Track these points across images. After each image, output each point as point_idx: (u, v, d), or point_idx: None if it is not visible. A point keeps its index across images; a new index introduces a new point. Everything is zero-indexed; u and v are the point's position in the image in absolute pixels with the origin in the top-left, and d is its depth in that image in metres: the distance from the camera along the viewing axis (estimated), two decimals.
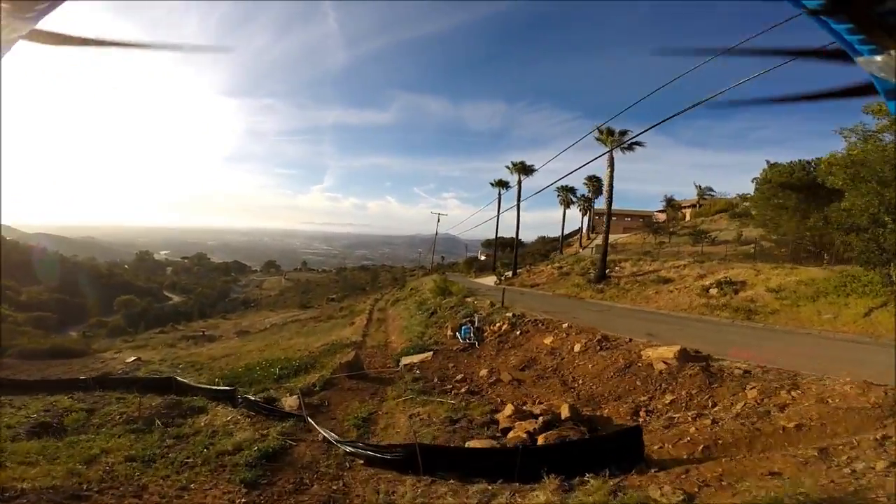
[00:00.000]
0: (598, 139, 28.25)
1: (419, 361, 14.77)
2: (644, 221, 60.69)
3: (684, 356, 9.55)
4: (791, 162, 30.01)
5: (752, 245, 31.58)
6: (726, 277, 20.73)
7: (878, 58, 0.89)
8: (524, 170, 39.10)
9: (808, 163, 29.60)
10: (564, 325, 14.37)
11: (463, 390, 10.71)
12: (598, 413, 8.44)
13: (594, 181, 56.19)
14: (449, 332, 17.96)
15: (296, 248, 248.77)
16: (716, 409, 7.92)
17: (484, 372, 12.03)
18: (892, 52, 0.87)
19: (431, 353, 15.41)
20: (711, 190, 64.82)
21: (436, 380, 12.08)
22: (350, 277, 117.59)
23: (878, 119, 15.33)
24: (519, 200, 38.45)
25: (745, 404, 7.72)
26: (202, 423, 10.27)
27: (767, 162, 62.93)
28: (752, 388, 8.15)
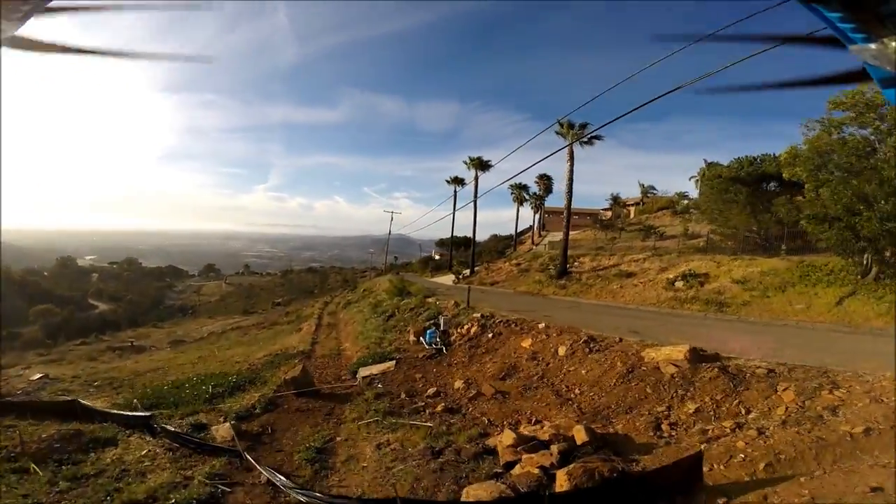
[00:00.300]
0: (558, 133, 27.37)
1: (380, 373, 12.81)
2: (593, 219, 61.69)
3: (695, 356, 8.30)
4: (740, 157, 30.74)
5: (702, 239, 32.11)
6: (690, 270, 20.28)
7: (872, 46, 0.86)
8: (481, 165, 37.86)
9: (756, 158, 30.39)
10: (541, 326, 12.92)
11: (439, 408, 8.91)
12: (609, 430, 6.94)
13: (545, 179, 56.15)
14: (411, 337, 16.10)
15: (238, 251, 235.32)
16: (752, 416, 6.65)
17: (459, 384, 10.30)
18: (886, 40, 0.84)
19: (394, 362, 13.49)
20: (654, 188, 67.06)
21: (403, 395, 10.20)
22: (297, 280, 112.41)
23: (842, 112, 15.16)
24: (476, 196, 37.16)
25: (785, 409, 6.49)
26: (108, 460, 7.88)
27: (705, 161, 65.55)
28: (785, 390, 6.96)
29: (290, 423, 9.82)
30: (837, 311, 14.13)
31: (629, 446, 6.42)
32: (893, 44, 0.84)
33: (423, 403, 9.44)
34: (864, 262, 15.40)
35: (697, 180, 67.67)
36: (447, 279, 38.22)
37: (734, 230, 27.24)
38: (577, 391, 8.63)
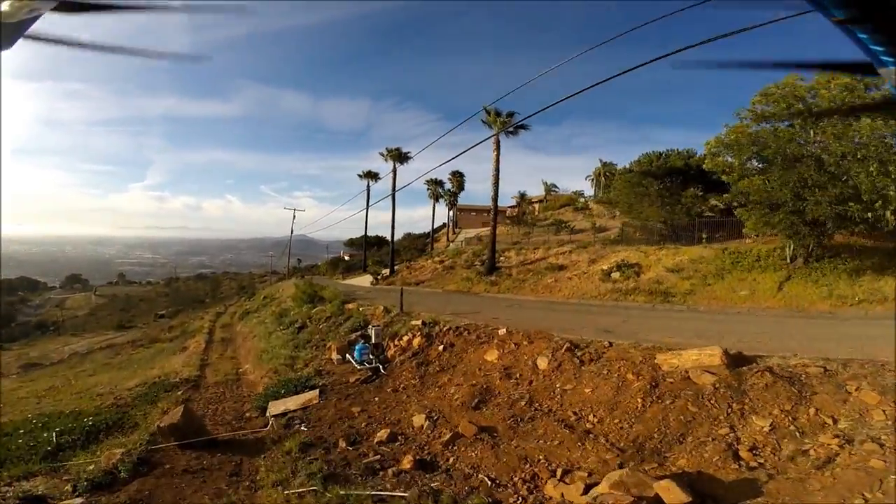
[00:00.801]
0: (484, 121, 25.46)
1: (300, 407, 9.46)
2: (504, 215, 61.93)
3: (731, 359, 6.42)
4: (649, 152, 31.72)
5: (611, 232, 32.65)
6: (623, 260, 19.49)
7: None
8: (400, 157, 34.85)
9: (661, 154, 31.46)
10: (501, 332, 10.51)
11: (406, 463, 5.98)
12: (671, 468, 4.70)
13: (458, 177, 54.69)
14: (334, 355, 12.78)
15: (111, 258, 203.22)
16: (844, 425, 4.86)
17: (420, 419, 7.44)
18: None
19: (317, 391, 10.17)
20: (556, 186, 69.46)
21: (343, 443, 7.08)
22: (184, 289, 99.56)
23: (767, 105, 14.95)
24: (394, 190, 34.08)
25: (883, 413, 4.81)
26: None
27: (601, 161, 69.17)
28: (858, 389, 5.34)
29: (177, 495, 6.24)
30: (781, 297, 13.78)
31: (717, 490, 4.22)
32: None
33: (376, 456, 6.44)
34: (788, 247, 15.51)
35: (593, 179, 72.07)
36: (363, 281, 34.67)
37: (646, 221, 27.68)
38: (592, 418, 6.28)
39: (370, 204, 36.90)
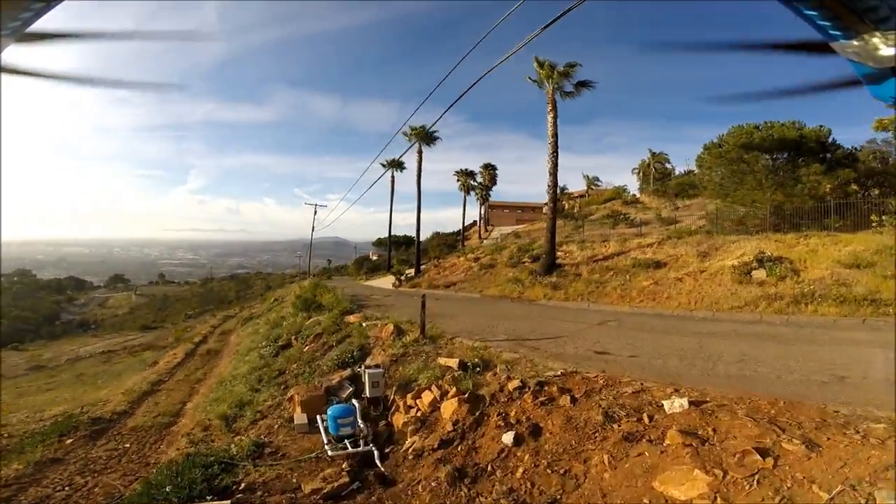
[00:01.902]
0: (534, 80, 18.77)
1: None
2: (538, 213, 54.80)
3: None
4: (741, 125, 24.15)
5: (684, 223, 25.22)
6: (764, 253, 12.39)
7: (854, 42, 0.82)
8: (425, 137, 28.55)
9: (759, 127, 23.76)
10: (676, 405, 3.92)
11: None
12: None
13: (490, 169, 48.13)
14: (297, 412, 6.47)
15: (154, 259, 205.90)
16: None
17: None
18: (866, 36, 0.80)
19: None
20: (598, 180, 61.63)
21: None
22: (217, 289, 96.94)
23: None
24: (420, 175, 27.83)
25: None
26: None
27: (651, 151, 60.91)
28: None
29: None
30: None
31: None
32: (874, 39, 0.79)
33: None
34: None
35: (639, 172, 63.52)
36: (385, 282, 28.52)
37: (752, 206, 20.23)
38: None
39: (394, 210, 30.73)
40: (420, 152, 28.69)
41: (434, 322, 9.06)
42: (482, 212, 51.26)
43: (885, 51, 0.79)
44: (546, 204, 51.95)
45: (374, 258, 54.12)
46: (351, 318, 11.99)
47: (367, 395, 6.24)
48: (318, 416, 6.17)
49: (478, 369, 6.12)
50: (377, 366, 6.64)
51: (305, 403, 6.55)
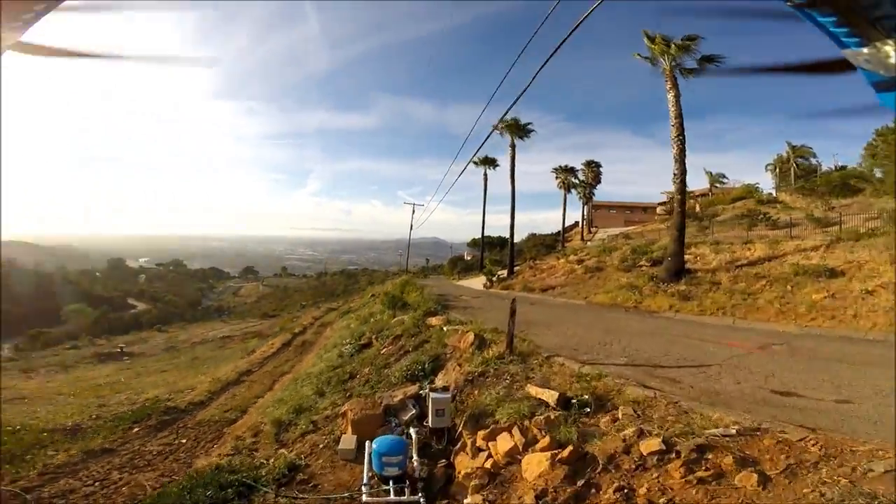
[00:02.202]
0: (645, 56, 15.76)
1: None
2: (650, 213, 48.98)
3: None
4: None
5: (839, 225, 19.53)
6: None
7: (865, 50, 0.82)
8: (518, 129, 26.53)
9: None
10: None
11: None
12: None
13: (593, 167, 44.08)
14: (347, 434, 5.20)
15: (279, 254, 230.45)
16: None
17: None
18: (878, 44, 0.81)
19: None
20: (724, 177, 53.36)
21: None
22: (329, 283, 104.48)
23: None
24: (513, 169, 25.91)
25: None
26: None
27: (790, 145, 51.49)
28: None
29: None
30: None
31: None
32: (886, 48, 0.79)
33: None
34: None
35: (774, 168, 53.61)
36: (476, 282, 27.08)
37: None
38: None
39: (486, 213, 29.15)
40: (513, 146, 26.72)
41: (526, 333, 7.25)
42: (585, 212, 47.30)
43: None
44: (665, 202, 46.21)
45: (468, 258, 53.18)
46: (433, 321, 10.65)
47: (430, 423, 4.70)
48: (366, 442, 4.79)
49: (586, 409, 4.25)
50: (445, 389, 5.08)
51: (357, 423, 5.23)
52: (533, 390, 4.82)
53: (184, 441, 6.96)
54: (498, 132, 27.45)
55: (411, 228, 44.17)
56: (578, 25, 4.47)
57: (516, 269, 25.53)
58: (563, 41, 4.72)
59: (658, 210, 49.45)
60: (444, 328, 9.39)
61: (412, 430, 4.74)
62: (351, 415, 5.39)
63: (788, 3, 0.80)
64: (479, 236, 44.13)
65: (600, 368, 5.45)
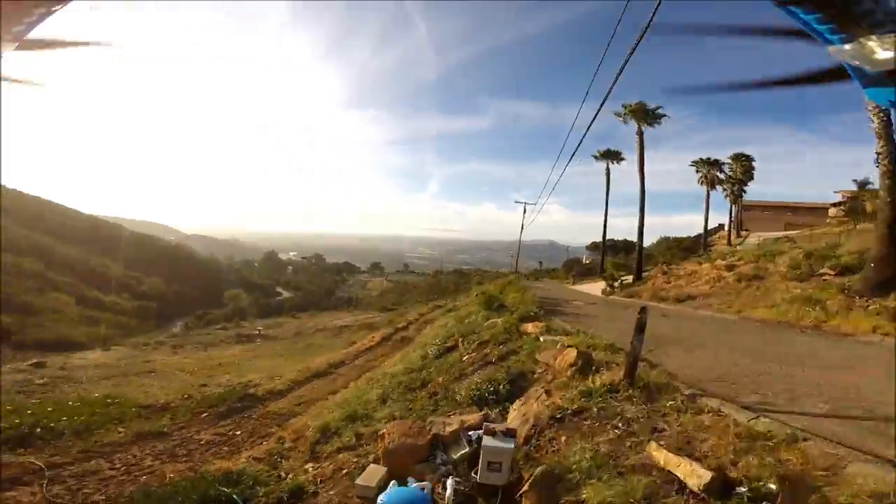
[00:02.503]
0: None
1: None
2: (820, 214, 39.07)
3: None
4: None
5: None
6: None
7: (848, 46, 0.82)
8: (646, 115, 22.70)
9: None
10: None
11: None
12: None
13: (743, 160, 36.64)
14: (381, 458, 3.77)
15: (402, 252, 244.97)
16: None
17: None
18: (862, 39, 0.81)
19: None
20: None
21: None
22: (444, 281, 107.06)
23: None
24: (642, 161, 22.26)
25: None
26: None
27: None
28: None
29: None
30: None
31: None
32: (870, 43, 0.80)
33: None
34: None
35: None
36: (594, 288, 23.98)
37: None
38: None
39: (609, 216, 25.70)
40: (640, 133, 22.86)
41: (656, 355, 5.07)
42: (732, 213, 39.80)
43: (882, 54, 0.80)
44: (842, 202, 36.53)
45: (586, 262, 48.90)
46: (528, 327, 8.81)
47: (478, 477, 3.03)
48: (395, 482, 3.31)
49: None
50: (509, 432, 3.32)
51: (392, 454, 3.80)
52: (660, 456, 2.82)
53: (238, 433, 6.38)
54: (620, 119, 23.99)
55: (522, 228, 41.96)
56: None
57: (645, 274, 21.84)
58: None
59: (831, 211, 39.33)
60: (541, 338, 7.51)
61: (450, 482, 3.12)
62: (387, 440, 3.97)
63: (774, 2, 0.80)
64: (599, 239, 39.99)
65: (787, 422, 3.17)
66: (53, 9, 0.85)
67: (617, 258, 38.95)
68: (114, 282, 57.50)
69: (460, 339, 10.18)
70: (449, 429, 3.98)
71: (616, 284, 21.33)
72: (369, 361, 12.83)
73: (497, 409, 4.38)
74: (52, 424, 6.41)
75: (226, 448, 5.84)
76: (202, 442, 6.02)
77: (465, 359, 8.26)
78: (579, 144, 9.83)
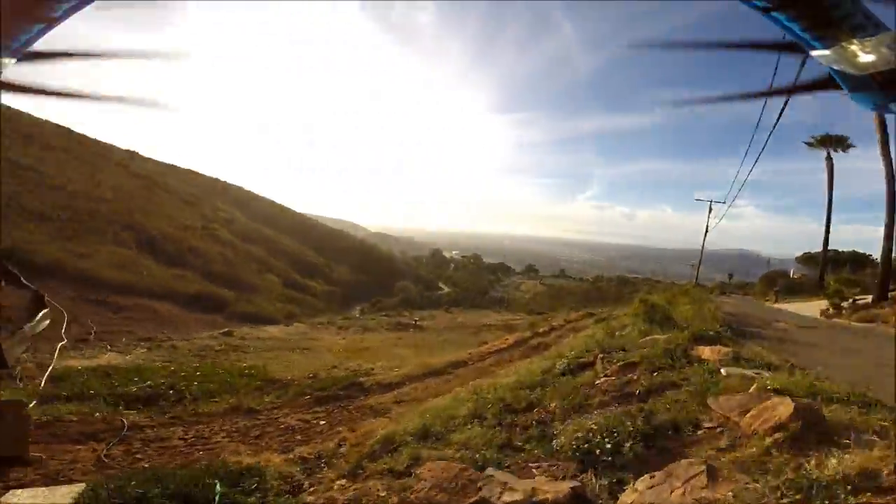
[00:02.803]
0: None
1: None
2: None
3: None
4: None
5: None
6: None
7: (830, 52, 0.83)
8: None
9: None
10: None
11: None
12: None
13: None
14: None
15: (558, 255, 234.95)
16: None
17: None
18: (844, 44, 0.81)
19: None
20: None
21: None
22: (605, 288, 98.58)
23: None
24: (885, 140, 15.61)
25: None
26: None
27: None
28: None
29: None
30: None
31: None
32: (852, 47, 0.80)
33: None
34: None
35: None
36: (809, 308, 17.89)
37: None
38: None
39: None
40: (883, 107, 15.82)
41: None
42: None
43: (864, 58, 0.80)
44: None
45: (795, 276, 38.26)
46: (704, 351, 6.30)
47: None
48: None
49: None
50: None
51: None
52: None
53: (321, 423, 5.76)
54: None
55: (707, 230, 34.99)
56: None
57: (893, 293, 15.18)
58: None
59: None
60: (722, 370, 5.06)
61: None
62: (422, 486, 2.51)
63: (756, 8, 0.81)
64: (815, 250, 30.27)
65: None
66: (52, 19, 0.84)
67: (842, 272, 29.13)
68: (313, 269, 68.83)
69: (600, 356, 7.99)
70: (506, 498, 2.31)
71: (845, 305, 15.32)
72: (492, 366, 11.42)
73: (607, 480, 2.52)
74: (182, 387, 6.81)
75: (298, 437, 5.28)
76: (282, 426, 5.60)
77: (598, 382, 6.22)
78: (774, 128, 6.71)
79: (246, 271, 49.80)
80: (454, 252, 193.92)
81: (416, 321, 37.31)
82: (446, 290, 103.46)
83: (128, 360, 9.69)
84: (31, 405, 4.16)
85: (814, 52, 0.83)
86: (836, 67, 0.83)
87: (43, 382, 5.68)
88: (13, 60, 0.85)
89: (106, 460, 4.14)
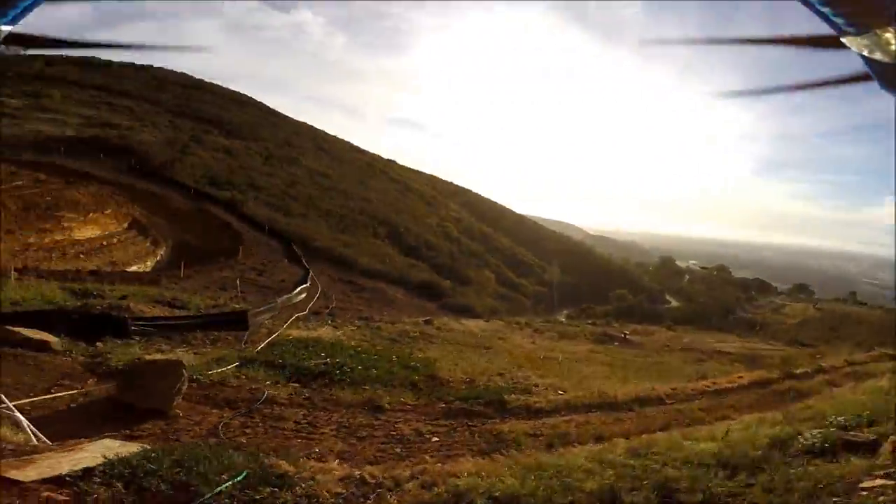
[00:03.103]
0: None
1: None
2: None
3: None
4: None
5: None
6: None
7: (867, 37, 0.81)
8: None
9: None
10: None
11: None
12: None
13: None
14: None
15: (849, 274, 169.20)
16: None
17: None
18: (878, 31, 0.79)
19: None
20: None
21: None
22: None
23: None
24: None
25: None
26: None
27: None
28: None
29: None
30: None
31: None
32: (886, 35, 0.78)
33: None
34: None
35: None
36: None
37: None
38: None
39: None
40: None
41: None
42: None
43: None
44: None
45: None
46: None
47: None
48: None
49: None
50: None
51: None
52: None
53: (434, 439, 5.10)
54: None
55: None
56: None
57: None
58: None
59: None
60: None
61: None
62: None
63: None
64: None
65: None
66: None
67: None
68: (526, 269, 70.39)
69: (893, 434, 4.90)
70: None
71: None
72: (698, 411, 8.52)
73: None
74: (349, 369, 7.37)
75: (397, 450, 4.79)
76: (392, 434, 5.30)
77: (867, 484, 3.75)
78: None
79: (466, 266, 53.99)
80: (691, 262, 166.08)
81: (625, 335, 33.02)
82: (675, 303, 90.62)
83: (337, 334, 11.37)
84: (209, 369, 4.91)
85: (845, 39, 0.82)
86: (867, 55, 0.82)
87: (260, 347, 6.77)
88: (9, 28, 0.85)
89: (219, 429, 4.56)
